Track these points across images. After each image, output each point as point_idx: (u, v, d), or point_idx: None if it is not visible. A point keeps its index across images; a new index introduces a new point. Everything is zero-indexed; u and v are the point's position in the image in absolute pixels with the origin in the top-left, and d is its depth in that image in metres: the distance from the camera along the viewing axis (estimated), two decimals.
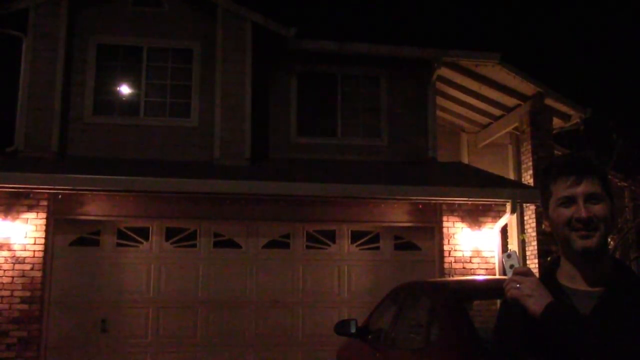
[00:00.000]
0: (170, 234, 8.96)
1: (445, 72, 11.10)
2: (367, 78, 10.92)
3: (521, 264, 1.84)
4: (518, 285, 1.75)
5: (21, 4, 9.57)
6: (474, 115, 12.88)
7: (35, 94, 9.44)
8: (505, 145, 13.25)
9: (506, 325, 1.87)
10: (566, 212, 1.77)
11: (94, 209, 8.64)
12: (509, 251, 1.89)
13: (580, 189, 1.76)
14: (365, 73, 10.90)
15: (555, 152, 11.62)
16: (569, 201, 1.77)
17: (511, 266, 1.84)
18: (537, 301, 1.71)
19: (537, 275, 1.81)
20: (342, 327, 6.04)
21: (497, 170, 11.62)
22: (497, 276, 8.83)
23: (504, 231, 9.55)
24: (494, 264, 9.14)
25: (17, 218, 8.29)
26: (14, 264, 8.19)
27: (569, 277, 1.81)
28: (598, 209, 1.75)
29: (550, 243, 10.50)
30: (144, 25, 10.08)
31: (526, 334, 1.77)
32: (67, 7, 9.74)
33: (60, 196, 8.41)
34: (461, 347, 4.02)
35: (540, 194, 1.90)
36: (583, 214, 1.74)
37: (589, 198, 1.76)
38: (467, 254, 9.19)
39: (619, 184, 11.93)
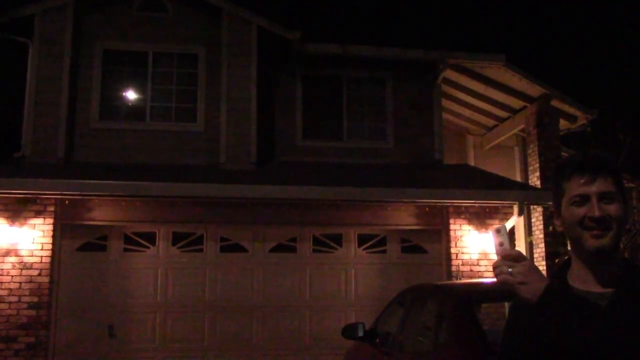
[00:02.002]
0: (176, 238, 8.96)
1: (450, 74, 11.07)
2: (372, 81, 10.92)
3: (510, 244, 1.73)
4: (510, 270, 1.65)
5: (27, 10, 9.61)
6: (479, 117, 12.85)
7: (42, 99, 9.48)
8: (511, 147, 13.20)
9: (515, 330, 1.84)
10: (579, 211, 1.73)
11: (101, 214, 8.65)
12: (498, 226, 1.78)
13: (594, 188, 1.72)
14: (370, 76, 10.89)
15: (562, 153, 11.57)
16: (582, 200, 1.73)
17: (501, 243, 1.72)
18: (531, 289, 1.63)
19: (533, 263, 1.76)
20: (349, 331, 6.02)
21: (503, 172, 11.58)
22: None
23: (512, 233, 9.51)
24: None
25: (25, 224, 8.31)
26: (21, 269, 8.21)
27: (580, 279, 1.78)
28: (612, 208, 1.71)
29: (558, 245, 10.46)
30: (149, 31, 10.11)
31: (535, 340, 1.73)
32: (72, 13, 9.78)
33: (67, 201, 8.43)
34: (469, 350, 4.00)
35: (552, 192, 1.86)
36: (597, 212, 1.70)
37: (603, 197, 1.72)
38: (475, 256, 9.15)
39: (627, 184, 11.86)
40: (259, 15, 10.16)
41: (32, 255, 8.27)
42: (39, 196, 8.29)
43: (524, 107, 11.74)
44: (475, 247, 9.15)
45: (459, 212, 9.21)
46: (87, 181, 8.20)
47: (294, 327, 8.98)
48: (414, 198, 8.85)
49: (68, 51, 9.66)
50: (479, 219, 9.21)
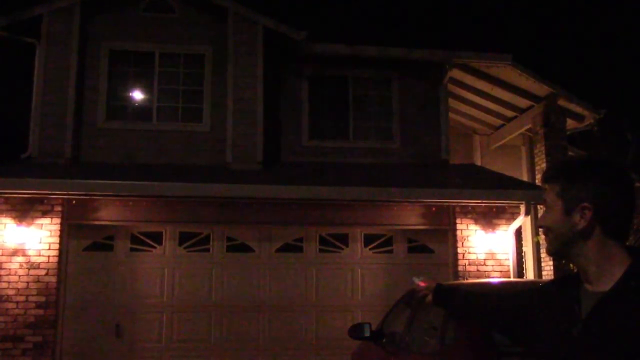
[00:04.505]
0: (183, 238, 8.98)
1: (456, 73, 11.05)
2: (378, 80, 10.90)
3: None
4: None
5: (35, 11, 9.65)
6: (486, 116, 12.82)
7: (49, 100, 9.51)
8: (518, 147, 13.17)
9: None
10: None
11: (108, 214, 8.68)
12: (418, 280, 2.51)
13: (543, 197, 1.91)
14: (376, 75, 10.87)
15: (569, 153, 11.53)
16: None
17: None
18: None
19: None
20: (356, 331, 6.01)
21: (510, 172, 11.55)
22: (511, 279, 8.77)
23: (518, 233, 9.48)
24: (508, 266, 9.08)
25: (32, 224, 8.34)
26: (28, 269, 8.25)
27: (584, 279, 1.84)
28: (542, 217, 1.88)
29: None
30: (155, 31, 10.12)
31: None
32: (79, 14, 9.81)
33: (74, 202, 8.46)
34: (476, 350, 3.99)
35: None
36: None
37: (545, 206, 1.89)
38: (481, 256, 9.13)
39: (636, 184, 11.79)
40: (265, 16, 10.16)
41: (39, 255, 8.30)
42: (46, 196, 8.32)
43: (531, 107, 11.71)
44: (482, 247, 9.13)
45: (466, 212, 9.19)
46: (94, 181, 8.23)
47: (300, 327, 8.98)
48: (421, 198, 8.84)
49: (75, 52, 9.69)
50: (486, 218, 9.19)
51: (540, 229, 2.01)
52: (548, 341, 1.80)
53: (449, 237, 9.31)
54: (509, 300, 2.19)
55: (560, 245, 1.83)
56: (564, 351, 1.72)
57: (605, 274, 1.74)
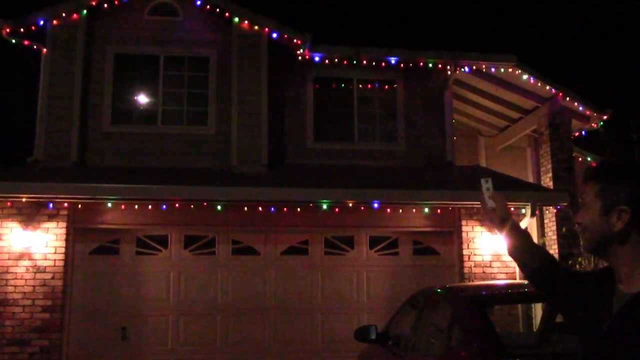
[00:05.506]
0: (189, 241, 8.99)
1: (461, 75, 11.04)
2: (383, 82, 10.90)
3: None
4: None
5: (40, 16, 9.68)
6: (491, 118, 12.80)
7: (54, 104, 9.54)
8: (523, 148, 13.14)
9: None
10: None
11: (113, 218, 8.70)
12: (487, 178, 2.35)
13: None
14: (381, 77, 10.87)
15: (575, 154, 11.50)
16: None
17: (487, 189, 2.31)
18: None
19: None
20: (361, 333, 6.01)
21: (515, 173, 11.52)
22: (517, 281, 8.74)
23: None
24: (514, 268, 9.04)
25: (38, 227, 8.36)
26: (35, 273, 8.27)
27: (617, 279, 1.86)
28: (580, 214, 1.91)
29: (571, 246, 10.38)
30: (160, 35, 10.14)
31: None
32: (85, 18, 9.84)
33: (79, 205, 8.48)
34: (482, 352, 3.98)
35: None
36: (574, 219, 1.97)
37: (581, 205, 1.92)
38: (487, 258, 9.11)
39: None
40: (269, 19, 10.17)
41: (45, 259, 8.32)
42: (52, 200, 8.34)
43: (536, 108, 11.68)
44: (487, 248, 9.11)
45: (471, 214, 9.18)
46: (100, 185, 8.25)
47: (306, 329, 8.97)
48: (426, 200, 8.82)
49: (80, 56, 9.72)
50: None
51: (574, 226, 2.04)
52: (581, 328, 1.86)
53: (454, 239, 9.29)
54: (566, 271, 2.21)
55: (595, 244, 1.86)
56: (593, 342, 1.77)
57: (637, 276, 1.76)
